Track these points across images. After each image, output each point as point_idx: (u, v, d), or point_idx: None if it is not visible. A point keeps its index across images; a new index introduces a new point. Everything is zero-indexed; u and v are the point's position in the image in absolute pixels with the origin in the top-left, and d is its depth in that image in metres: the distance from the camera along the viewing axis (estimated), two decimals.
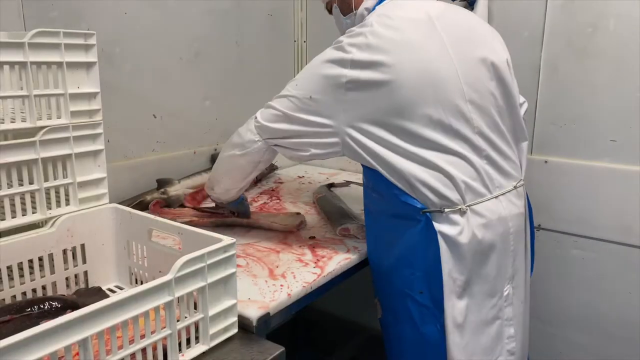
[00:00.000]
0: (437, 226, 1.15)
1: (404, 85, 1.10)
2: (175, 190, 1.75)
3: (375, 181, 1.21)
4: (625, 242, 1.65)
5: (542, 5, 1.69)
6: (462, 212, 1.16)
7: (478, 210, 1.18)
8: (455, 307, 1.17)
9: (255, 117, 1.33)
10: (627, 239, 1.64)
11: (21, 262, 0.99)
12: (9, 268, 0.97)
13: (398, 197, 1.17)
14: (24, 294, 1.00)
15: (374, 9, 1.27)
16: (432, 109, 1.12)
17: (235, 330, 0.95)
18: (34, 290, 1.02)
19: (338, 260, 1.29)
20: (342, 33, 1.33)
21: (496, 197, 1.21)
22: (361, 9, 1.30)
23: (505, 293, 1.25)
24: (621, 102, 1.60)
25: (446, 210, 1.15)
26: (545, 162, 1.75)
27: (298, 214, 1.57)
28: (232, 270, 0.92)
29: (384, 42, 1.12)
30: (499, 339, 1.25)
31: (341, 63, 1.15)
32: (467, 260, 1.17)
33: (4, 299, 0.97)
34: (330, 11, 1.44)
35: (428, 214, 1.15)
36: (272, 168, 2.14)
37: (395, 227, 1.21)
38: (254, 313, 1.00)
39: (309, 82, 1.22)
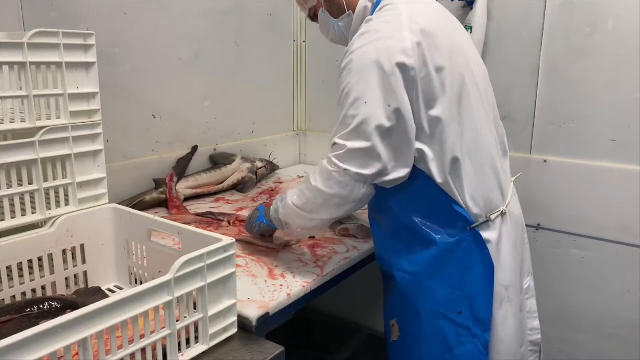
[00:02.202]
0: (483, 235, 1.14)
1: None
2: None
3: (406, 192, 1.14)
4: (625, 242, 1.65)
5: (541, 5, 1.69)
6: (502, 214, 1.17)
7: (510, 209, 1.20)
8: (501, 317, 1.16)
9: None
10: (626, 239, 1.64)
11: (21, 263, 0.99)
12: (9, 268, 0.97)
13: (448, 207, 1.12)
14: (24, 294, 1.00)
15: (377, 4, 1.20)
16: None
17: (235, 330, 0.95)
18: (34, 291, 1.02)
19: (337, 261, 1.29)
20: (330, 36, 1.34)
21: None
22: (361, 5, 1.23)
23: (526, 286, 1.26)
24: (620, 102, 1.60)
25: (492, 217, 1.15)
26: (545, 161, 1.75)
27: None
28: (232, 270, 0.92)
29: None
30: (522, 332, 1.26)
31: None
32: (510, 263, 1.17)
33: (3, 299, 0.97)
34: (313, 18, 1.36)
35: (476, 228, 1.14)
36: (273, 168, 2.15)
37: (422, 246, 1.17)
38: (253, 313, 1.00)
39: None
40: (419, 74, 1.05)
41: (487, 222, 1.15)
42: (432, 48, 1.07)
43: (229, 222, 1.49)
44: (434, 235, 1.15)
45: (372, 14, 1.18)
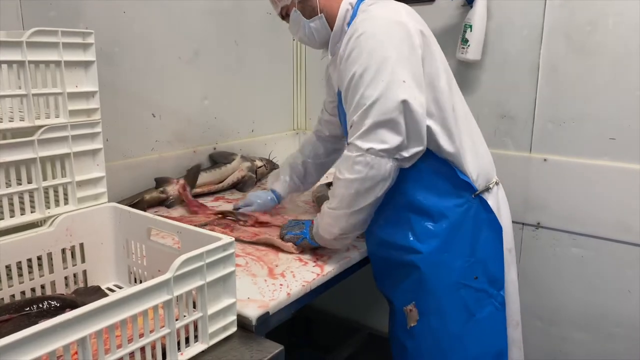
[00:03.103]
0: (488, 200, 1.24)
1: None
2: (173, 189, 1.75)
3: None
4: (625, 240, 1.65)
5: (541, 3, 1.68)
6: (497, 183, 1.29)
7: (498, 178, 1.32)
8: (510, 278, 1.26)
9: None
10: (626, 237, 1.64)
11: (20, 262, 0.99)
12: (8, 267, 0.97)
13: (453, 178, 1.19)
14: (23, 293, 1.00)
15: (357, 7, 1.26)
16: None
17: (235, 329, 0.94)
18: (33, 290, 1.02)
19: (337, 260, 1.29)
20: (298, 35, 1.37)
21: None
22: (345, 4, 1.27)
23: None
24: (620, 101, 1.60)
25: (490, 185, 1.26)
26: (545, 160, 1.75)
27: None
28: (231, 269, 0.91)
29: None
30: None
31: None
32: (509, 226, 1.28)
33: (2, 298, 0.97)
34: (284, 17, 1.37)
35: (480, 194, 1.22)
36: (273, 167, 2.14)
37: (433, 222, 1.21)
38: (253, 312, 1.00)
39: None
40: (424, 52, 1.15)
41: (488, 189, 1.24)
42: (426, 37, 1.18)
43: (244, 222, 1.48)
44: (442, 209, 1.20)
45: (352, 17, 1.24)
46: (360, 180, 1.12)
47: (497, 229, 1.23)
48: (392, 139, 1.09)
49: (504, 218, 1.29)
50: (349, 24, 1.24)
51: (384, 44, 1.11)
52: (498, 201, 1.28)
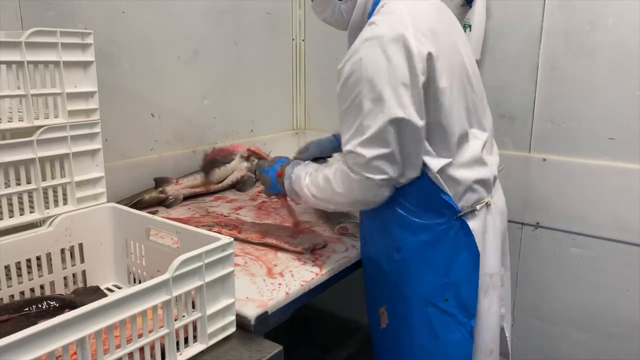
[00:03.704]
0: (470, 224, 1.17)
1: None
2: (173, 189, 1.75)
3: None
4: (624, 240, 1.65)
5: (541, 3, 1.68)
6: (487, 205, 1.21)
7: (494, 201, 1.23)
8: (486, 305, 1.20)
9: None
10: (626, 237, 1.64)
11: (19, 262, 0.99)
12: (7, 267, 0.97)
13: (435, 197, 1.15)
14: (22, 293, 1.00)
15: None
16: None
17: (234, 329, 0.95)
18: (32, 290, 1.02)
19: (336, 259, 1.29)
20: (324, 15, 1.30)
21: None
22: None
23: (501, 274, 1.28)
24: (620, 100, 1.60)
25: (477, 207, 1.18)
26: (544, 160, 1.75)
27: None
28: (230, 269, 0.92)
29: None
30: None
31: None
32: (494, 251, 1.21)
33: (2, 299, 0.97)
34: None
35: (463, 217, 1.16)
36: None
37: (412, 234, 1.19)
38: (252, 312, 1.00)
39: None
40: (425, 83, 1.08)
41: (473, 211, 1.18)
42: (436, 58, 1.08)
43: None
44: (422, 222, 1.17)
45: (372, 9, 1.18)
46: (354, 200, 1.17)
47: (475, 254, 1.18)
48: (392, 169, 1.09)
49: (490, 242, 1.23)
50: (369, 15, 1.19)
51: (381, 74, 1.06)
52: (485, 224, 1.21)
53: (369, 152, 1.07)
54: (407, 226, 1.19)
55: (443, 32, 1.13)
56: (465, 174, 1.16)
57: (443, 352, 1.20)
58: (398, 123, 1.05)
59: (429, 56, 1.06)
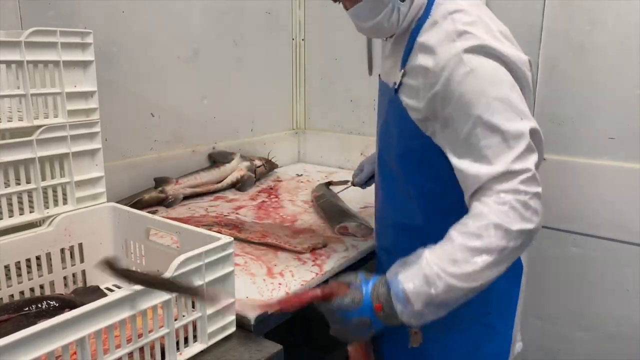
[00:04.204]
0: None
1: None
2: (172, 189, 1.75)
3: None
4: (624, 240, 1.65)
5: (541, 3, 1.68)
6: None
7: None
8: (521, 304, 1.18)
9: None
10: (626, 237, 1.64)
11: (19, 262, 0.99)
12: (7, 267, 0.97)
13: None
14: (22, 293, 1.00)
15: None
16: None
17: (233, 329, 0.95)
18: (32, 290, 1.02)
19: (336, 259, 1.29)
20: (373, 23, 1.07)
21: None
22: None
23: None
24: (620, 100, 1.60)
25: None
26: (544, 159, 1.75)
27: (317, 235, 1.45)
28: (230, 268, 0.92)
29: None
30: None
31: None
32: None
33: (1, 298, 0.97)
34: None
35: None
36: (272, 166, 2.14)
37: None
38: (252, 312, 1.00)
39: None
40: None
41: None
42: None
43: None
44: None
45: (424, 16, 1.05)
46: (533, 230, 0.89)
47: (519, 266, 1.12)
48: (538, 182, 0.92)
49: (524, 257, 1.16)
50: (418, 22, 1.05)
51: (504, 83, 0.96)
52: None
53: (529, 163, 0.90)
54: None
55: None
56: None
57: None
58: (535, 130, 0.94)
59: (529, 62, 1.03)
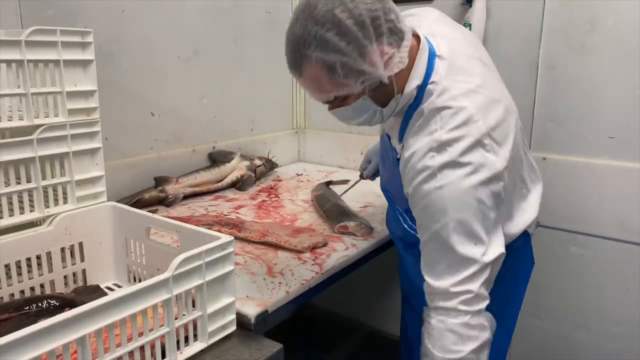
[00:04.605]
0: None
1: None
2: (173, 188, 1.75)
3: None
4: (624, 239, 1.65)
5: (541, 2, 1.68)
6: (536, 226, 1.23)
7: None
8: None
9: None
10: (626, 236, 1.64)
11: (19, 261, 0.99)
12: (7, 266, 0.97)
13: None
14: (22, 292, 1.00)
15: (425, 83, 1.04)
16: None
17: (234, 327, 0.95)
18: (32, 289, 1.02)
19: (336, 258, 1.29)
20: (357, 121, 1.11)
21: None
22: (410, 89, 1.04)
23: None
24: (620, 99, 1.60)
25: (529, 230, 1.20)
26: (544, 159, 1.75)
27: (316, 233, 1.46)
28: (230, 268, 0.92)
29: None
30: None
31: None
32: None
33: (2, 297, 0.97)
34: (332, 102, 1.12)
35: (528, 232, 1.18)
36: (272, 166, 2.14)
37: None
38: (252, 311, 1.00)
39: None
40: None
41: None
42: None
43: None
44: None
45: (420, 94, 1.05)
46: (484, 343, 0.99)
47: (531, 261, 1.25)
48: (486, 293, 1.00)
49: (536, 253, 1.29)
50: (411, 106, 1.06)
51: (471, 210, 0.96)
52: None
53: (474, 285, 0.96)
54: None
55: (499, 89, 1.11)
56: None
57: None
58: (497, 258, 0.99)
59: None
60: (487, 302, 0.99)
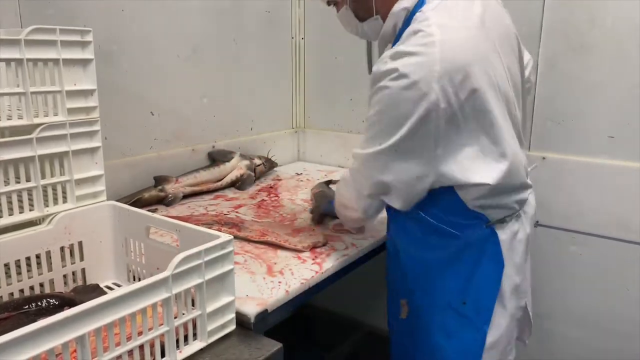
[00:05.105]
0: (499, 234, 1.16)
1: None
2: (172, 187, 1.75)
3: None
4: (623, 239, 1.66)
5: (540, 1, 1.68)
6: (517, 217, 1.19)
7: (526, 209, 1.22)
8: (501, 314, 1.19)
9: None
10: (625, 235, 1.65)
11: (19, 260, 0.99)
12: (7, 266, 0.97)
13: (466, 209, 1.13)
14: (22, 291, 1.00)
15: (415, 10, 1.10)
16: (502, 114, 1.09)
17: (233, 327, 0.95)
18: (32, 288, 1.02)
19: (336, 257, 1.29)
20: (350, 31, 1.28)
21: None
22: (397, 9, 1.13)
23: (522, 281, 1.26)
24: (619, 99, 1.60)
25: (507, 219, 1.17)
26: (543, 158, 1.75)
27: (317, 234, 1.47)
28: (230, 267, 0.92)
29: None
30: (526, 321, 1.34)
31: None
32: (520, 263, 1.21)
33: (1, 297, 0.97)
34: (330, 3, 1.28)
35: (493, 226, 1.15)
36: (272, 165, 2.14)
37: (441, 238, 1.18)
38: (251, 310, 1.00)
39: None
40: (444, 114, 1.02)
41: (503, 221, 1.16)
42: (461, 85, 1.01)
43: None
44: (455, 231, 1.16)
45: (406, 24, 1.10)
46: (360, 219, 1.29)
47: (499, 264, 1.17)
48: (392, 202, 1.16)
49: (517, 251, 1.20)
50: (400, 30, 1.13)
51: (398, 113, 1.03)
52: (514, 233, 1.19)
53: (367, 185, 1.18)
54: (436, 231, 1.18)
55: (482, 49, 1.07)
56: (505, 198, 1.15)
57: (454, 352, 1.21)
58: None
59: (459, 91, 1.01)
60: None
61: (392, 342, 1.40)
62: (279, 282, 1.14)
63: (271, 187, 1.98)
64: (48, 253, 1.04)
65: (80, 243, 1.10)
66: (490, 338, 1.19)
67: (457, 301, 1.19)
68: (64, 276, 1.08)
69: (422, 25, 1.03)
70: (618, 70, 1.59)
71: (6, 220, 0.99)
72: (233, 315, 0.94)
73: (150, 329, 0.79)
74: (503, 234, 1.17)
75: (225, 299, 0.92)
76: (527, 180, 1.20)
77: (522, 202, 1.20)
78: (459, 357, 1.20)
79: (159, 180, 1.75)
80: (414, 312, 1.28)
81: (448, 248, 1.19)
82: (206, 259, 0.86)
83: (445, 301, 1.20)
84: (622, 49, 1.57)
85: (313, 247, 1.33)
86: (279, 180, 2.10)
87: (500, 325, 1.20)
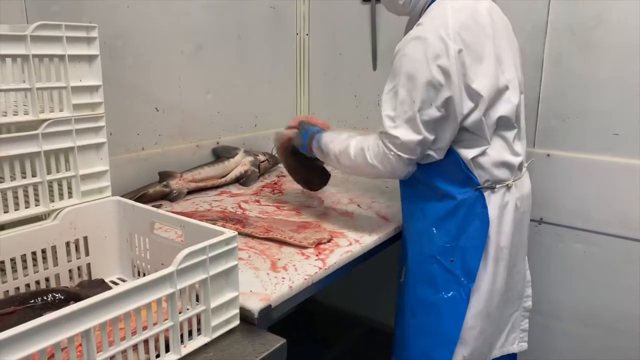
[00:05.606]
0: (488, 198, 1.30)
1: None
2: (177, 183, 1.75)
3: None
4: (627, 236, 1.65)
5: None
6: (508, 187, 1.32)
7: (517, 185, 1.36)
8: (491, 273, 1.31)
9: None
10: (629, 233, 1.64)
11: (24, 255, 1.00)
12: (13, 260, 0.98)
13: (460, 172, 1.28)
14: (28, 285, 1.01)
15: None
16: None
17: (237, 322, 0.95)
18: (38, 282, 1.03)
19: (340, 253, 1.29)
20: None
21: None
22: None
23: (511, 248, 1.37)
24: (624, 96, 1.60)
25: (497, 186, 1.30)
26: (548, 155, 1.75)
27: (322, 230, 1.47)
28: (234, 262, 0.92)
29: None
30: (520, 297, 1.49)
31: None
32: (509, 227, 1.32)
33: (7, 291, 0.98)
34: None
35: (482, 189, 1.29)
36: (276, 161, 2.15)
37: (437, 200, 1.32)
38: (255, 305, 1.01)
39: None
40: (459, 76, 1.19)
41: (492, 188, 1.30)
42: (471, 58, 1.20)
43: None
44: (446, 191, 1.31)
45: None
46: (383, 172, 1.30)
47: (485, 223, 1.29)
48: (420, 152, 1.26)
49: (506, 218, 1.33)
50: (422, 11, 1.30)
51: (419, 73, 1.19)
52: (503, 202, 1.32)
53: (403, 136, 1.22)
54: (433, 193, 1.33)
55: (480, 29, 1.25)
56: (493, 162, 1.29)
57: (440, 307, 1.32)
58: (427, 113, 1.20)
59: (460, 54, 1.18)
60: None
61: (396, 308, 1.49)
62: (283, 278, 1.15)
63: (275, 184, 1.98)
64: (54, 248, 1.04)
65: (85, 238, 1.10)
66: (474, 300, 1.31)
67: (445, 258, 1.31)
68: (70, 271, 1.08)
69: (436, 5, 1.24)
70: (623, 68, 1.58)
71: (12, 215, 1.00)
72: (237, 310, 0.95)
73: (155, 324, 0.80)
74: (492, 198, 1.30)
75: (229, 295, 0.92)
76: (513, 146, 1.33)
77: (510, 168, 1.32)
78: (446, 312, 1.31)
79: (164, 176, 1.76)
80: (408, 271, 1.40)
81: (442, 209, 1.32)
82: (211, 254, 0.86)
83: (434, 257, 1.33)
84: (628, 46, 1.57)
85: (317, 244, 1.33)
86: (283, 176, 2.10)
87: (491, 287, 1.32)
